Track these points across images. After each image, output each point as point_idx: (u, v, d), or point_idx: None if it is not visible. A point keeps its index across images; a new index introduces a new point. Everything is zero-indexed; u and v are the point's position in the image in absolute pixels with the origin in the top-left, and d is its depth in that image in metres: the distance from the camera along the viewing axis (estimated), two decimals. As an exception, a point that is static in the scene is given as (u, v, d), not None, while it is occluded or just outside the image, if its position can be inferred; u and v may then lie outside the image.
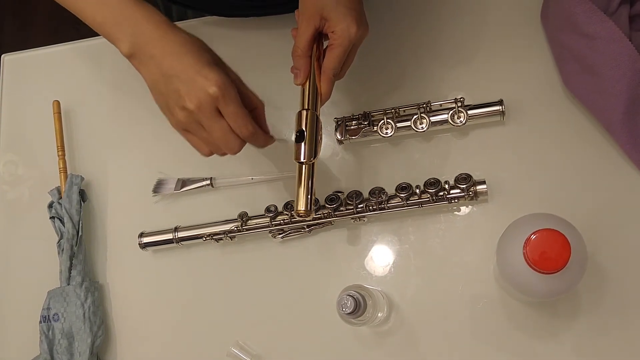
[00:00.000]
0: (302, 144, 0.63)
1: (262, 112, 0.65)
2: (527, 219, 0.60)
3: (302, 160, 0.63)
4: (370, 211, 0.72)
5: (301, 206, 0.63)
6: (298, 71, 0.65)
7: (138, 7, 0.59)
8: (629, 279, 0.67)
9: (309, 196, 0.63)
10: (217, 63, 0.61)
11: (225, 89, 0.58)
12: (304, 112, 0.64)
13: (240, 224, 0.75)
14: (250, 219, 0.75)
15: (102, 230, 0.84)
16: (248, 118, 0.60)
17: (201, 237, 0.77)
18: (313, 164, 0.64)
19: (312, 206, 0.64)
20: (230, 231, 0.75)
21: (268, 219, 0.74)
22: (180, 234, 0.77)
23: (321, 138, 0.65)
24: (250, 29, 0.85)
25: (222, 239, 0.76)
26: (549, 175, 0.71)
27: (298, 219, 0.73)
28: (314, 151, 0.63)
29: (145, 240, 0.79)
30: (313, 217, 0.73)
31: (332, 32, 0.62)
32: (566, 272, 0.53)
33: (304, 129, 0.63)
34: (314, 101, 0.65)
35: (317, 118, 0.64)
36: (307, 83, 0.65)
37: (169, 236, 0.78)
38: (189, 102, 0.57)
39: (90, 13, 0.60)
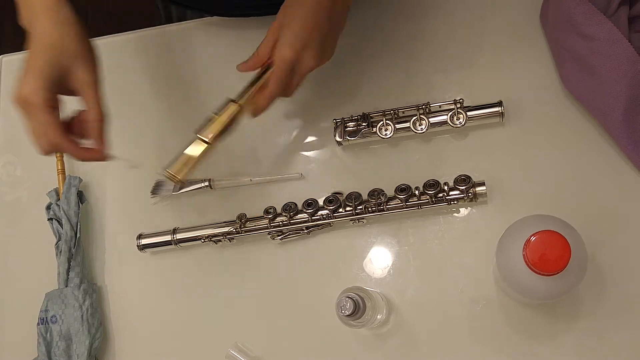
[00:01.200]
0: (209, 122, 0.66)
1: (96, 125, 0.62)
2: (527, 220, 0.60)
3: (201, 135, 0.65)
4: (370, 213, 0.72)
5: (174, 169, 0.65)
6: (245, 64, 0.68)
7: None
8: (629, 280, 0.67)
9: (189, 166, 0.65)
10: (51, 71, 0.59)
11: (22, 104, 0.59)
12: (230, 104, 0.67)
13: (238, 225, 0.75)
14: (249, 221, 0.75)
15: (100, 232, 0.83)
16: (47, 131, 0.59)
17: (200, 239, 0.76)
18: (209, 145, 0.65)
19: (186, 174, 0.65)
20: (228, 233, 0.75)
21: (267, 220, 0.74)
22: (179, 236, 0.77)
23: (229, 132, 0.67)
24: (250, 29, 0.85)
25: (220, 241, 0.76)
26: (549, 176, 0.71)
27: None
28: (215, 134, 0.65)
29: (144, 242, 0.78)
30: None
31: (274, 53, 0.65)
32: (566, 273, 0.52)
33: (216, 114, 0.66)
34: (243, 98, 0.67)
35: (237, 115, 0.67)
36: (254, 84, 0.68)
37: (168, 238, 0.77)
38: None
39: None
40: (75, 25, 0.61)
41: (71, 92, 0.62)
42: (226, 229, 0.75)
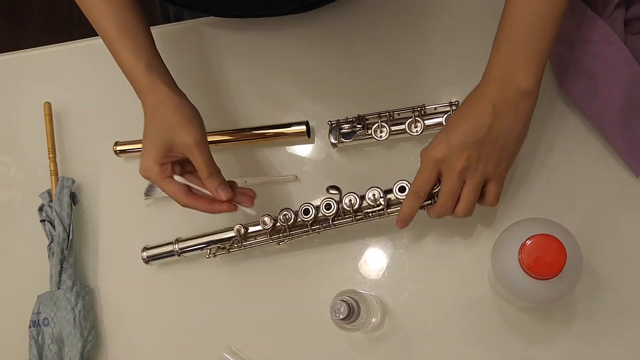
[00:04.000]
0: None
1: (207, 183, 0.65)
2: (523, 223, 0.59)
3: None
4: (370, 218, 0.69)
5: None
6: None
7: (133, 73, 0.67)
8: (624, 284, 0.66)
9: None
10: (157, 146, 0.65)
11: (149, 178, 0.66)
12: None
13: (239, 240, 0.72)
14: (249, 236, 0.72)
15: (93, 234, 0.83)
16: (174, 196, 0.66)
17: (201, 248, 0.74)
18: None
19: None
20: (230, 247, 0.73)
21: (266, 236, 0.71)
22: (182, 245, 0.75)
23: None
24: (247, 30, 0.84)
25: (223, 254, 0.74)
26: (545, 179, 0.71)
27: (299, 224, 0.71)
28: None
29: (148, 254, 0.76)
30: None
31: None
32: (562, 277, 0.52)
33: None
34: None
35: None
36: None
37: (169, 248, 0.75)
38: None
39: (121, 67, 0.69)
40: (173, 99, 0.66)
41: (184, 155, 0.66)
42: (229, 243, 0.73)
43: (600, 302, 0.66)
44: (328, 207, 0.70)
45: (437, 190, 0.65)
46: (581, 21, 0.66)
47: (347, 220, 0.70)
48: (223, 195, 0.65)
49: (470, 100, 0.63)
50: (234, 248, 0.73)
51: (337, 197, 0.70)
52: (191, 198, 0.66)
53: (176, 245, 0.75)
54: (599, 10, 0.66)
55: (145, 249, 0.77)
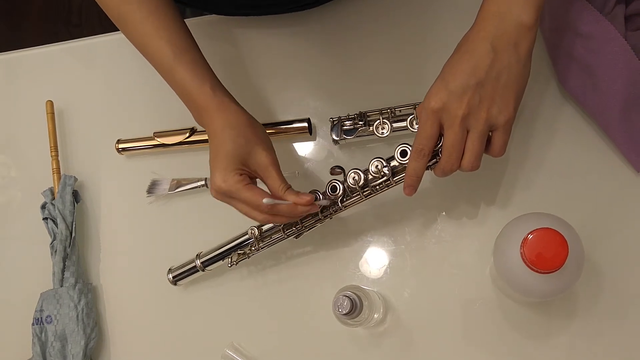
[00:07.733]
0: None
1: (289, 195, 0.63)
2: (524, 218, 0.60)
3: None
4: (379, 191, 0.67)
5: None
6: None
7: (199, 94, 0.64)
8: (625, 278, 0.67)
9: None
10: (233, 160, 0.62)
11: (223, 194, 0.63)
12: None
13: (256, 242, 0.71)
14: (263, 235, 0.72)
15: (95, 232, 0.83)
16: (259, 199, 0.61)
17: (222, 259, 0.73)
18: None
19: None
20: (250, 252, 0.72)
21: (280, 232, 0.71)
22: (203, 259, 0.74)
23: None
24: (249, 28, 0.84)
25: (243, 259, 0.74)
26: (546, 174, 0.71)
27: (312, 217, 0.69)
28: None
29: (173, 274, 0.76)
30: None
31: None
32: (564, 271, 0.52)
33: None
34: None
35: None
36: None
37: (192, 265, 0.75)
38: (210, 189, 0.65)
39: (168, 82, 0.67)
40: (244, 118, 0.65)
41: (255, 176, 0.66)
42: (245, 245, 0.72)
43: (601, 297, 0.66)
44: (333, 189, 0.67)
45: (440, 145, 0.62)
46: (581, 16, 0.66)
47: (355, 198, 0.67)
48: (307, 199, 0.63)
49: (466, 39, 0.60)
50: (252, 252, 0.72)
51: (341, 178, 0.67)
52: (273, 199, 0.63)
53: (198, 260, 0.74)
54: (599, 6, 0.66)
55: (170, 270, 0.76)
